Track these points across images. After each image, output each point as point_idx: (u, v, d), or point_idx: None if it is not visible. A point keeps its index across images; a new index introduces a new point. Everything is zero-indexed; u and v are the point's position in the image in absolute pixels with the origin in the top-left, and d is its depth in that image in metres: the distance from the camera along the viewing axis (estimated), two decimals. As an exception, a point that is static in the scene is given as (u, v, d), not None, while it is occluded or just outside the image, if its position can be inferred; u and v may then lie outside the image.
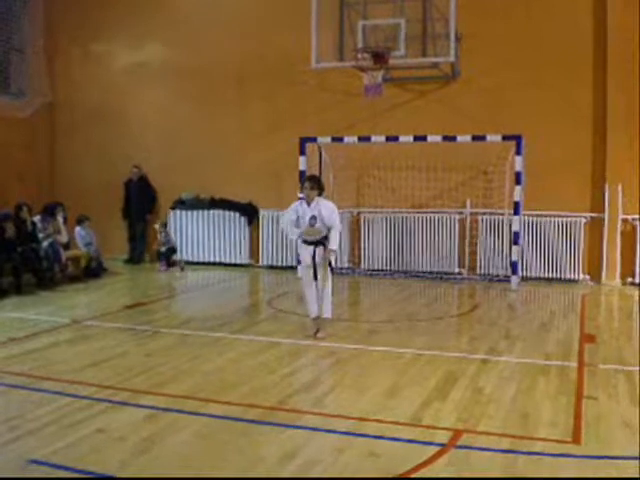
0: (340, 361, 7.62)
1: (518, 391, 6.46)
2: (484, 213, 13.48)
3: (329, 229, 8.36)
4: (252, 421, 5.63)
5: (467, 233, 13.60)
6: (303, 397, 6.33)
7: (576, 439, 5.26)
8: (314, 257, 8.41)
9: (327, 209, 8.37)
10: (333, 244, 8.34)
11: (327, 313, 8.61)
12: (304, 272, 8.67)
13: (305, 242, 8.52)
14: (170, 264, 15.00)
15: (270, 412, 5.83)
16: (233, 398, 6.20)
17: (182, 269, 14.54)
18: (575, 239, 13.07)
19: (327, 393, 6.43)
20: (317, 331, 8.57)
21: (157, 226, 15.14)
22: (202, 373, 7.10)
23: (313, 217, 8.32)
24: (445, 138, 12.54)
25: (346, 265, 14.09)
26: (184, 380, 6.80)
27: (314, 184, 8.50)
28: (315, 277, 8.43)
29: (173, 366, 7.33)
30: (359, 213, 14.24)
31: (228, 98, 15.05)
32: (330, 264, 8.47)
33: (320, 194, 8.50)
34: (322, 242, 8.40)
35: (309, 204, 8.39)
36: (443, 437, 5.27)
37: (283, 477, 4.70)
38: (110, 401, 6.09)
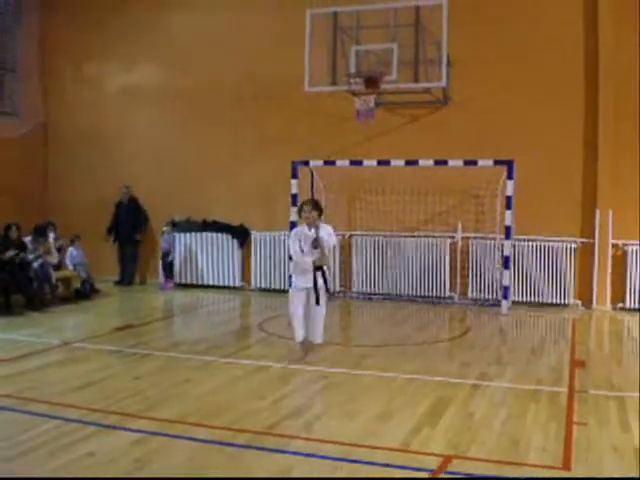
0: (330, 385, 7.60)
1: (509, 416, 6.46)
2: (475, 237, 13.51)
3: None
4: (242, 446, 5.60)
5: (458, 257, 13.62)
6: (293, 422, 6.30)
7: (566, 465, 5.25)
8: (315, 282, 8.32)
9: (327, 232, 8.36)
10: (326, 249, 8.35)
11: (319, 338, 8.59)
12: (296, 295, 8.54)
13: (305, 268, 8.43)
14: (172, 276, 15.16)
15: (260, 437, 5.81)
16: (223, 422, 6.18)
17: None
18: (566, 264, 13.09)
19: (317, 418, 6.41)
20: (305, 355, 8.52)
21: (164, 229, 15.19)
22: (192, 397, 7.07)
23: (316, 240, 8.27)
24: (437, 162, 12.58)
25: (337, 288, 14.09)
26: (174, 404, 6.77)
27: (314, 205, 8.47)
28: (317, 302, 8.35)
29: (163, 389, 7.31)
30: (351, 236, 14.24)
31: (221, 120, 15.08)
32: (327, 286, 8.42)
33: (320, 216, 8.46)
34: (321, 268, 8.38)
35: (310, 228, 8.34)
36: (433, 463, 5.26)
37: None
38: (99, 424, 6.05)
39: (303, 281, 8.44)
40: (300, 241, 8.39)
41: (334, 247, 8.65)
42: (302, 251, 8.36)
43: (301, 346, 8.62)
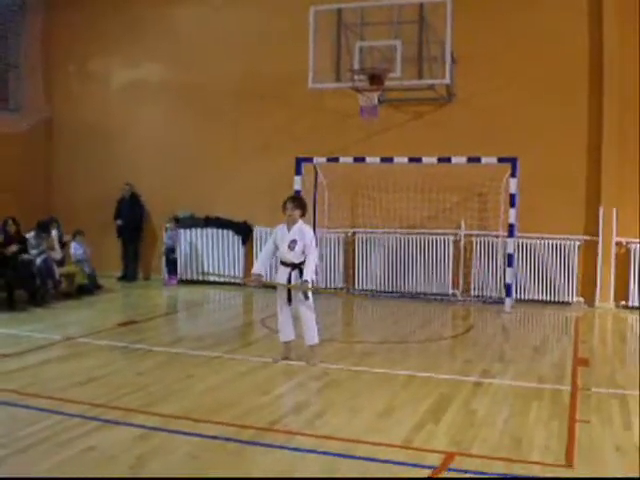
0: (333, 382, 7.59)
1: (511, 414, 6.44)
2: (478, 235, 13.49)
3: (307, 255, 8.18)
4: (244, 442, 5.60)
5: (461, 254, 13.60)
6: (295, 418, 6.30)
7: (569, 463, 5.24)
8: (290, 280, 8.19)
9: (308, 235, 8.17)
10: (308, 274, 8.05)
11: (313, 339, 8.33)
12: (279, 293, 8.40)
13: (282, 264, 8.33)
14: (175, 272, 15.17)
15: (262, 433, 5.80)
16: (225, 418, 6.17)
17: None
18: (569, 262, 13.08)
19: (320, 414, 6.40)
20: (287, 355, 8.41)
21: (168, 225, 15.20)
22: (194, 393, 7.07)
23: (293, 241, 8.13)
24: (440, 160, 12.56)
25: (340, 285, 14.10)
26: (176, 399, 6.77)
27: (296, 204, 8.31)
28: (289, 301, 8.25)
29: (165, 385, 7.30)
30: (354, 233, 14.24)
31: (225, 117, 15.08)
32: (306, 295, 8.17)
33: (303, 215, 8.35)
34: (299, 266, 8.18)
35: (289, 229, 8.21)
36: (435, 460, 5.25)
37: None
38: (101, 420, 6.05)
39: (280, 278, 8.31)
40: (276, 239, 8.29)
41: (316, 253, 8.35)
42: (277, 249, 8.29)
43: (285, 346, 8.48)
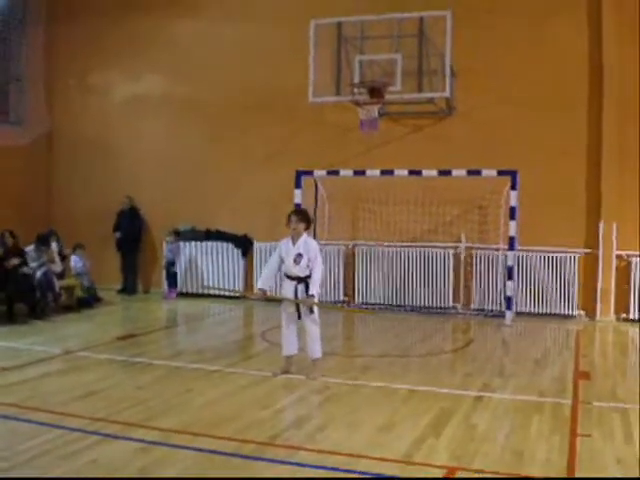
0: (333, 396, 7.57)
1: (512, 428, 6.42)
2: (479, 248, 13.49)
3: (312, 269, 8.13)
4: (244, 456, 5.57)
5: (462, 267, 13.60)
6: (296, 432, 6.27)
7: (570, 477, 5.22)
8: (296, 294, 8.15)
9: (313, 248, 8.14)
10: (314, 288, 8.04)
11: (316, 353, 8.30)
12: (283, 307, 8.36)
13: (288, 277, 8.27)
14: (175, 286, 15.16)
15: (262, 447, 5.78)
16: (225, 433, 6.14)
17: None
18: (569, 275, 13.07)
19: (320, 429, 6.37)
20: (287, 370, 8.39)
21: (168, 238, 15.19)
22: (194, 406, 7.04)
23: (299, 255, 8.08)
24: (440, 172, 12.57)
25: (340, 299, 14.09)
26: (176, 413, 6.74)
27: (301, 217, 8.28)
28: (299, 316, 8.19)
29: (165, 399, 7.28)
30: (354, 246, 14.24)
31: (225, 131, 15.10)
32: (311, 309, 8.14)
33: (307, 228, 8.31)
34: (305, 280, 8.12)
35: (294, 242, 8.17)
36: (437, 474, 5.23)
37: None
38: (102, 434, 6.02)
39: (287, 292, 8.27)
40: (281, 254, 8.23)
41: (322, 266, 8.23)
42: (283, 262, 8.22)
43: (287, 360, 8.44)
